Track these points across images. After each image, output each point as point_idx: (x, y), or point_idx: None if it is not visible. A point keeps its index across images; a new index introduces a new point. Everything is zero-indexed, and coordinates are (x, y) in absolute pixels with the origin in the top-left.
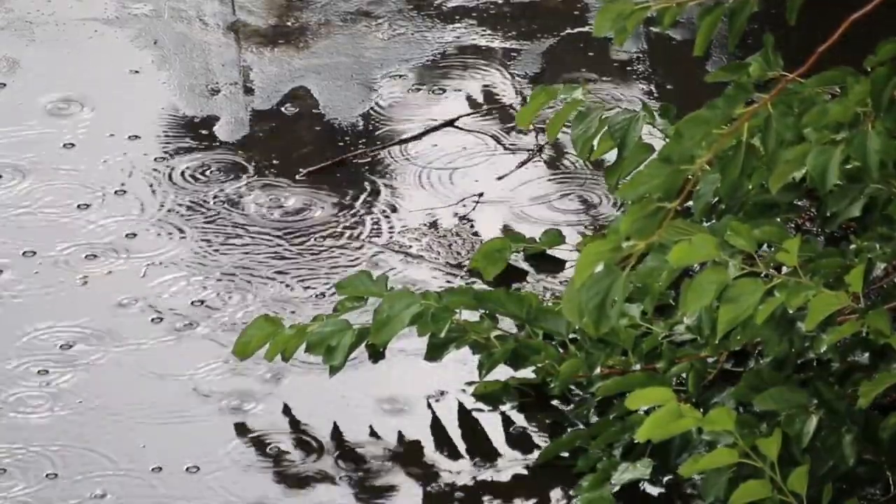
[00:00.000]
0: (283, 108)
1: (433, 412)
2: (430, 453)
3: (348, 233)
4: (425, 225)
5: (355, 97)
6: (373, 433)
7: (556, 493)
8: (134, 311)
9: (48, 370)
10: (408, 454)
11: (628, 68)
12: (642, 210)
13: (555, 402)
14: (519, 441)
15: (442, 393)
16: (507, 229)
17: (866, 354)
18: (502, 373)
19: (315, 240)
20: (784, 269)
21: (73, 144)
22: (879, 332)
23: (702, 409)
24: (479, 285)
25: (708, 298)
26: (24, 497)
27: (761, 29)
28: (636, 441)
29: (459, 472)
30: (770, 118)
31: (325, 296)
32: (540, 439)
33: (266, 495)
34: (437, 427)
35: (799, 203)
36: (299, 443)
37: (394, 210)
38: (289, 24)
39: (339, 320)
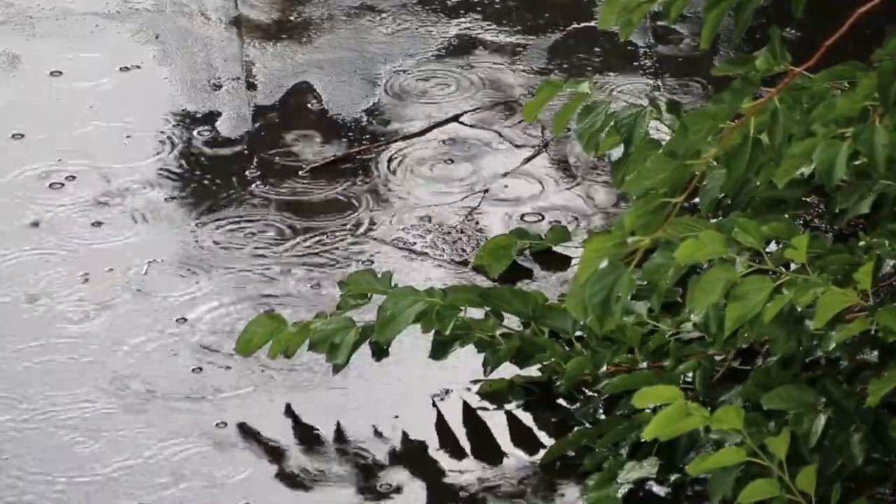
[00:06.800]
0: (285, 104)
1: (438, 410)
2: (435, 452)
3: (352, 229)
4: (430, 221)
5: (359, 92)
6: (376, 432)
7: (561, 493)
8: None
9: None
10: (412, 453)
11: (635, 63)
12: (647, 205)
13: (561, 401)
14: (524, 440)
15: (447, 391)
16: (512, 226)
17: (875, 352)
18: (508, 371)
19: (318, 236)
20: (792, 267)
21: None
22: (889, 330)
23: (709, 408)
24: (485, 282)
25: (715, 296)
26: None
27: (770, 24)
28: (643, 440)
29: (464, 471)
30: (777, 112)
31: (328, 294)
32: (546, 438)
33: (267, 495)
34: (441, 426)
35: (807, 199)
36: (301, 442)
37: (398, 206)
38: (291, 18)
39: (343, 318)
